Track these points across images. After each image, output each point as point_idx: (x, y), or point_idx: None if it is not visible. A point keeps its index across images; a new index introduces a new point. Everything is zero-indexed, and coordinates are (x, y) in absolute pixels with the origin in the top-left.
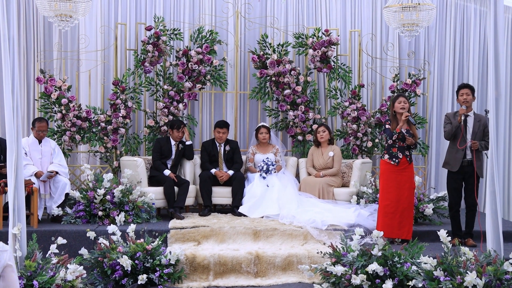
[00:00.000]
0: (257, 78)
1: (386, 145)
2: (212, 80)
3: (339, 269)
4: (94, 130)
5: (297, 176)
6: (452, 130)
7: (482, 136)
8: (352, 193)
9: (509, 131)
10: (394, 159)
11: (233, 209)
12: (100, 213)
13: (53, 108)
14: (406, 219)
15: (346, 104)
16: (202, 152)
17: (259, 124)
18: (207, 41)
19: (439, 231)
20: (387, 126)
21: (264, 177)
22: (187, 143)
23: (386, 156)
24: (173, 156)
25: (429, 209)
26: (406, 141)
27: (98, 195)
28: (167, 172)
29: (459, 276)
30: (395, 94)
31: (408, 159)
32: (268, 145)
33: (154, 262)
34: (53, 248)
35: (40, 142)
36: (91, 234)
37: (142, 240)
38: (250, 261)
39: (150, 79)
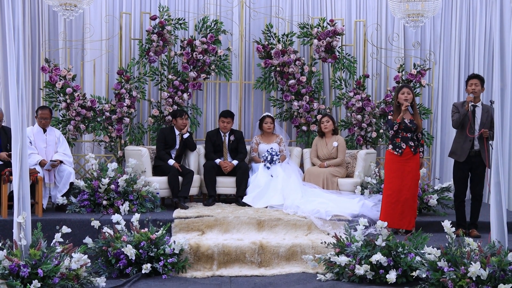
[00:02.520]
0: (261, 68)
1: (390, 135)
2: (216, 70)
3: (343, 259)
4: (98, 119)
5: (301, 166)
6: (460, 118)
7: (489, 127)
8: (357, 184)
9: None
10: (397, 150)
11: (237, 199)
12: (104, 202)
13: (58, 97)
14: (408, 210)
15: (351, 94)
16: (207, 142)
17: (264, 114)
18: (212, 30)
19: (443, 221)
20: (389, 117)
21: (268, 167)
22: (184, 136)
23: (390, 147)
24: (177, 146)
25: (433, 200)
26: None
27: (102, 185)
28: (171, 161)
29: (463, 267)
30: (400, 84)
31: (412, 149)
32: (272, 135)
33: (158, 252)
34: (57, 237)
35: (45, 131)
36: (95, 223)
37: (146, 229)
38: (254, 251)
39: (154, 69)
